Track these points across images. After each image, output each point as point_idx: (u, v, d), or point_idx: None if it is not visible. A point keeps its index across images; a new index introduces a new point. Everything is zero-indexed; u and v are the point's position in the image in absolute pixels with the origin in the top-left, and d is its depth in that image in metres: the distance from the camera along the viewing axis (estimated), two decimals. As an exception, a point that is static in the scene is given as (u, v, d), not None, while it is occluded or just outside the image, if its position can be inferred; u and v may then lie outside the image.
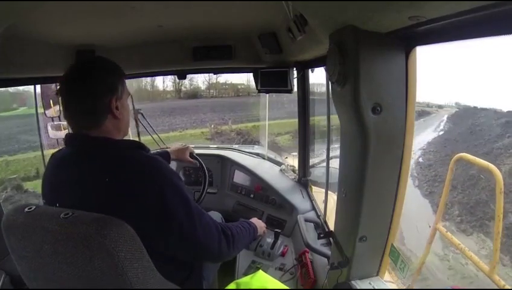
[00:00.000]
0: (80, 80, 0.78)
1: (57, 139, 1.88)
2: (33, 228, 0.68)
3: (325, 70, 1.17)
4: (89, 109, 0.78)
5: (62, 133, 1.86)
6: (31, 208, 0.70)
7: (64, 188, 0.77)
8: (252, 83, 1.84)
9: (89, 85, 0.78)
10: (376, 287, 0.95)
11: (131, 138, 2.62)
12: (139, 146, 0.84)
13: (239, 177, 2.05)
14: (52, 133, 1.79)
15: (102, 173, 0.74)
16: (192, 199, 0.82)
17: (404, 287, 1.32)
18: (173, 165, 2.13)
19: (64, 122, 1.89)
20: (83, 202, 0.70)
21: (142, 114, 2.28)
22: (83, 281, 0.67)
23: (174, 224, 0.76)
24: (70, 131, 0.82)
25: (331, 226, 1.16)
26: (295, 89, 1.72)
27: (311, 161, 1.95)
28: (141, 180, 0.74)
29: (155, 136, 2.39)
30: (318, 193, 1.84)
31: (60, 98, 0.81)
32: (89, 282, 0.67)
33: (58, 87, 0.81)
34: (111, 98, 0.80)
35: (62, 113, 0.84)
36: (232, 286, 0.88)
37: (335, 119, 1.13)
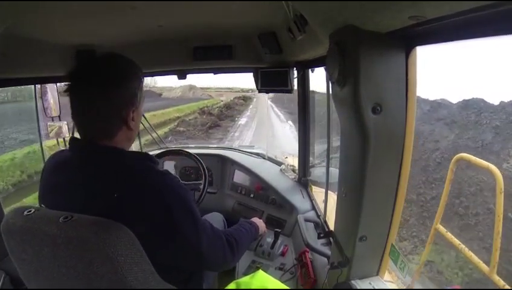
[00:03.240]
0: (97, 84, 0.71)
1: (57, 139, 1.89)
2: (32, 232, 0.67)
3: (325, 70, 1.17)
4: (102, 119, 0.72)
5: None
6: (30, 211, 0.69)
7: (65, 193, 0.75)
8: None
9: (108, 93, 0.71)
10: (376, 287, 0.95)
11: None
12: (148, 158, 0.80)
13: (239, 177, 2.05)
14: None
15: (110, 185, 0.71)
16: (198, 211, 0.79)
17: (404, 287, 1.33)
18: (173, 164, 2.13)
19: (65, 122, 1.89)
20: (86, 209, 0.69)
21: (143, 115, 2.28)
22: (83, 284, 0.67)
23: (181, 239, 0.75)
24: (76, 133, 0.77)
25: (331, 226, 1.16)
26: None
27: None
28: (150, 195, 0.72)
29: (155, 136, 2.40)
30: (318, 192, 1.84)
31: (69, 98, 0.73)
32: (89, 285, 0.67)
33: (67, 84, 0.72)
34: (129, 110, 0.74)
35: (71, 115, 0.75)
36: (232, 285, 0.89)
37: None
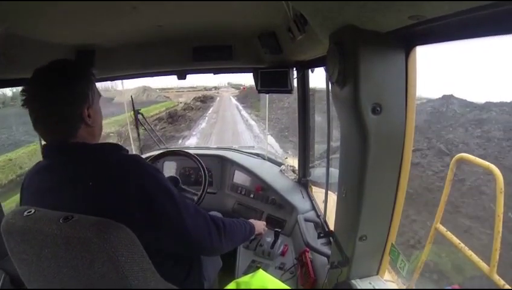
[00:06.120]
0: (46, 88, 0.75)
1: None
2: (32, 232, 0.67)
3: (325, 71, 1.17)
4: (60, 121, 0.76)
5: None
6: (30, 212, 0.70)
7: (47, 197, 0.75)
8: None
9: (57, 94, 0.75)
10: (376, 287, 0.95)
11: (131, 139, 2.63)
12: (116, 147, 0.83)
13: (239, 178, 2.05)
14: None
15: (85, 178, 0.73)
16: (176, 191, 0.81)
17: (404, 287, 1.33)
18: (173, 165, 2.13)
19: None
20: (70, 208, 0.69)
21: (142, 114, 2.29)
22: (84, 284, 0.67)
23: (161, 216, 0.76)
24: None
25: (331, 226, 1.16)
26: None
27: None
28: (122, 178, 0.74)
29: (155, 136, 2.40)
30: (318, 192, 1.84)
31: (28, 110, 0.76)
32: (90, 285, 0.67)
33: (23, 98, 0.76)
34: (83, 108, 0.78)
35: (32, 126, 0.79)
36: (232, 285, 0.89)
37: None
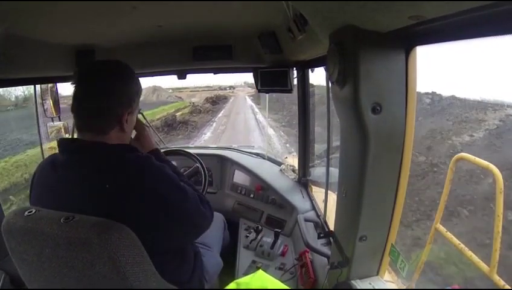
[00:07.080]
0: (102, 82, 0.78)
1: (57, 140, 1.88)
2: (33, 232, 0.67)
3: (325, 70, 1.17)
4: (99, 114, 0.78)
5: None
6: (31, 212, 0.70)
7: (60, 193, 0.76)
8: None
9: (109, 91, 0.78)
10: (376, 287, 0.95)
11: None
12: (133, 149, 0.84)
13: (239, 177, 2.05)
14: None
15: (101, 178, 0.73)
16: (186, 187, 0.84)
17: (404, 287, 1.33)
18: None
19: (65, 122, 1.89)
20: (82, 206, 0.70)
21: (142, 114, 2.28)
22: (84, 285, 0.67)
23: (171, 209, 0.78)
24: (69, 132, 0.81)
25: (331, 226, 1.16)
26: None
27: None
28: (136, 179, 0.75)
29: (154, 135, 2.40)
30: (318, 192, 1.84)
31: (73, 92, 0.79)
32: (90, 286, 0.67)
33: (75, 80, 0.80)
34: (124, 111, 0.80)
35: (71, 107, 0.81)
36: (232, 285, 0.88)
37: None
